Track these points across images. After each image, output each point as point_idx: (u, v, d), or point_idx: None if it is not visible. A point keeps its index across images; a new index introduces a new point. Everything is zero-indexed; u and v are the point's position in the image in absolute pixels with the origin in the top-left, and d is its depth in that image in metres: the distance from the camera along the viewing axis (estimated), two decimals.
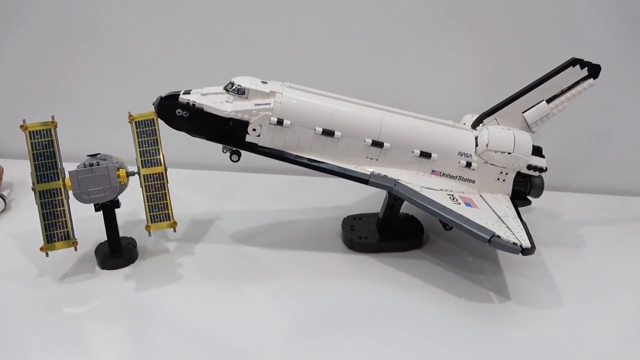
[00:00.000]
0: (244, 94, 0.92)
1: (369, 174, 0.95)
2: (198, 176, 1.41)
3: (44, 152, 0.95)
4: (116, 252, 1.00)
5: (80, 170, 0.87)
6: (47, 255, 0.94)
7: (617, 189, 1.37)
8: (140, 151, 1.02)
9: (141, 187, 1.00)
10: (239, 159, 0.98)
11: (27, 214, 1.15)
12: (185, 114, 0.92)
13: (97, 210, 0.98)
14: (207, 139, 0.94)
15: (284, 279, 0.98)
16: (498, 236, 0.84)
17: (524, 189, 1.03)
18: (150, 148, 1.03)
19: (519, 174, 1.02)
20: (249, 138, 0.93)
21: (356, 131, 0.95)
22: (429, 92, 1.33)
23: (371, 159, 0.96)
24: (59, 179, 0.95)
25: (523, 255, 0.84)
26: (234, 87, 0.92)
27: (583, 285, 0.98)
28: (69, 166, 0.94)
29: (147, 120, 1.02)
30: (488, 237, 0.84)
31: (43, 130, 0.95)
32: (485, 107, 1.10)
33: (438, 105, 1.22)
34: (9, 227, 1.14)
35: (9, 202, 1.24)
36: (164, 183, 1.03)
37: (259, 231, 1.15)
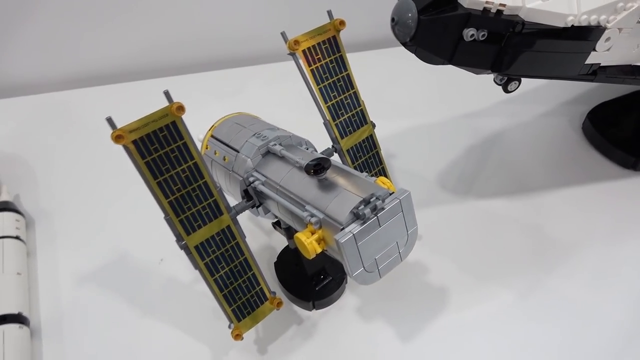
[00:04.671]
0: None
1: None
2: None
3: (177, 174, 0.45)
4: (323, 277, 0.60)
5: (362, 231, 0.39)
6: (239, 340, 0.52)
7: None
8: (327, 107, 0.53)
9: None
10: (519, 85, 0.54)
11: (69, 229, 0.71)
12: (482, 34, 0.43)
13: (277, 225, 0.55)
14: (506, 72, 0.48)
15: (581, 249, 0.65)
16: None
17: None
18: (342, 97, 0.54)
19: None
20: (593, 57, 0.48)
21: None
22: None
23: None
24: (221, 213, 0.48)
25: None
26: None
27: None
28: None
29: (323, 42, 0.52)
30: None
31: (162, 129, 0.43)
32: None
33: None
34: (82, 266, 0.66)
35: (24, 210, 0.73)
36: (377, 152, 0.58)
37: (469, 162, 0.76)
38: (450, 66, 0.51)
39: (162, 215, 0.46)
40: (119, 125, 0.41)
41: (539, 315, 0.58)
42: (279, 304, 0.53)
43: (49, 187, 0.78)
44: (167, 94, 0.43)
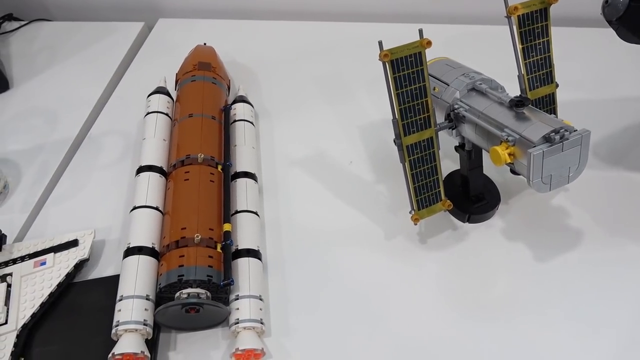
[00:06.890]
0: None
1: None
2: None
3: (410, 90, 0.63)
4: (481, 200, 0.76)
5: (549, 150, 0.54)
6: (415, 224, 0.71)
7: None
8: (525, 63, 0.67)
9: None
10: None
11: (282, 125, 0.93)
12: None
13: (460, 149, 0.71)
14: None
15: None
16: None
17: None
18: (538, 58, 0.68)
19: None
20: None
21: None
22: None
23: None
24: (430, 126, 0.65)
25: None
26: None
27: None
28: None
29: (535, 12, 0.65)
30: None
31: (411, 56, 0.61)
32: None
33: None
34: (292, 154, 0.89)
35: None
36: (554, 107, 0.72)
37: (623, 138, 0.85)
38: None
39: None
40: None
41: None
42: (449, 205, 0.70)
43: (268, 92, 1.02)
44: (420, 31, 0.60)
